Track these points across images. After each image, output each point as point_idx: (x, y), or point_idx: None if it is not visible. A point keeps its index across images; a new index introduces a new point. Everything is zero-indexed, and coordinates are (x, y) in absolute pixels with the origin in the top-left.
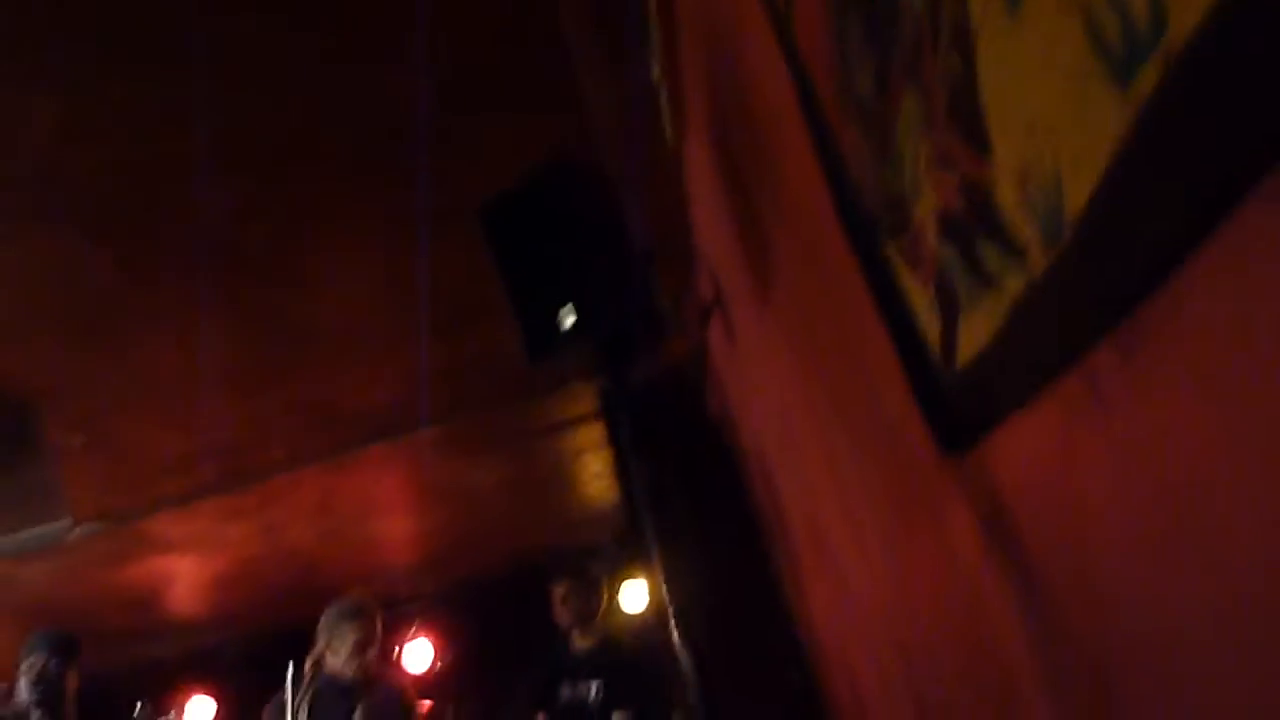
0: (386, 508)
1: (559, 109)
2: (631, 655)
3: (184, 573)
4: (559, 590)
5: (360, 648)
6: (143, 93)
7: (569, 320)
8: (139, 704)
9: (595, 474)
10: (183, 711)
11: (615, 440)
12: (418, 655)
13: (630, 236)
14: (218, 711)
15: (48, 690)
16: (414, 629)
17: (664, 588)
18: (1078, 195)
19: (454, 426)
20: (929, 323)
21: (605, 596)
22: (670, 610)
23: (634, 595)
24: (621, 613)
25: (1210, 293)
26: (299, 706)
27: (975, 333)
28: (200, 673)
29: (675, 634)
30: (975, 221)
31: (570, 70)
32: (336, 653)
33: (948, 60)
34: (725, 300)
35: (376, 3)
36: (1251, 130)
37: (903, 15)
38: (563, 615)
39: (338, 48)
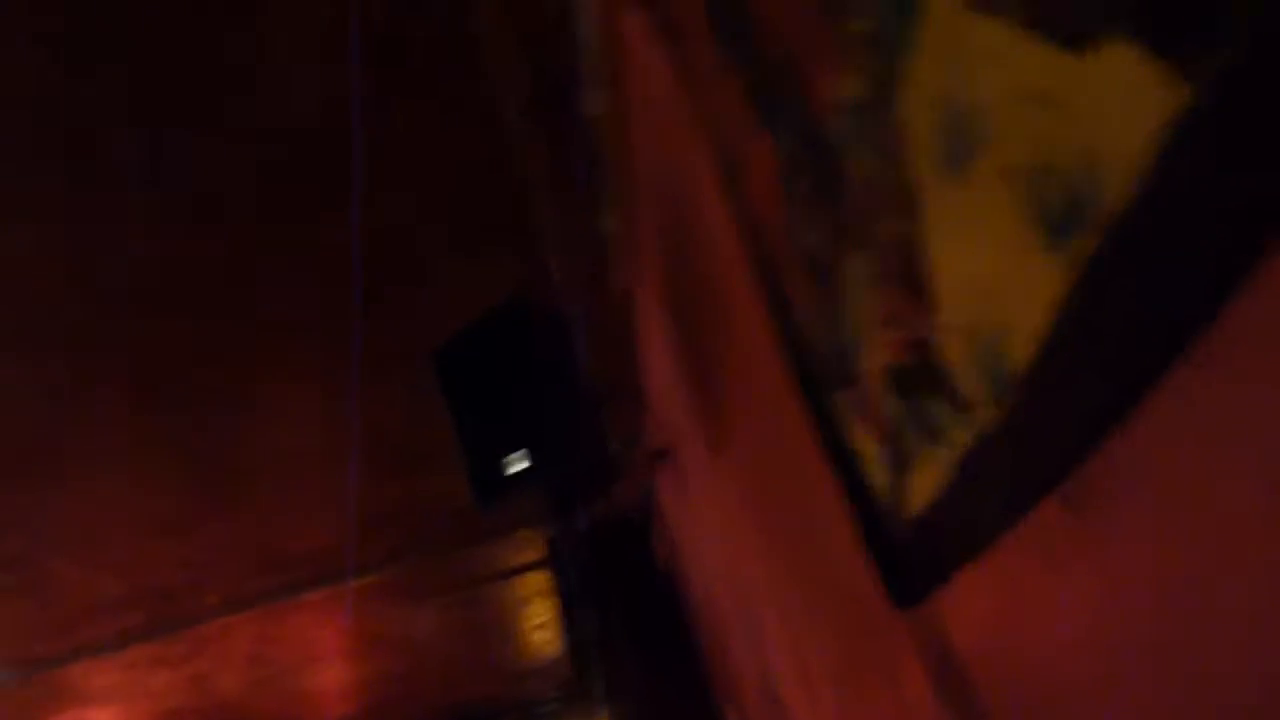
0: (322, 656)
1: (513, 253)
2: None
3: None
4: None
5: None
6: (81, 223)
7: (517, 465)
8: None
9: (539, 623)
10: None
11: (561, 589)
12: None
13: (582, 381)
14: None
15: None
16: None
17: None
18: (1021, 354)
19: (394, 572)
20: (878, 475)
21: None
22: None
23: None
24: None
25: (1151, 450)
26: None
27: (924, 485)
28: None
29: None
30: (923, 377)
31: (525, 214)
32: None
33: (895, 221)
34: (676, 447)
35: (325, 144)
36: (1179, 298)
37: (850, 178)
38: None
39: (280, 192)
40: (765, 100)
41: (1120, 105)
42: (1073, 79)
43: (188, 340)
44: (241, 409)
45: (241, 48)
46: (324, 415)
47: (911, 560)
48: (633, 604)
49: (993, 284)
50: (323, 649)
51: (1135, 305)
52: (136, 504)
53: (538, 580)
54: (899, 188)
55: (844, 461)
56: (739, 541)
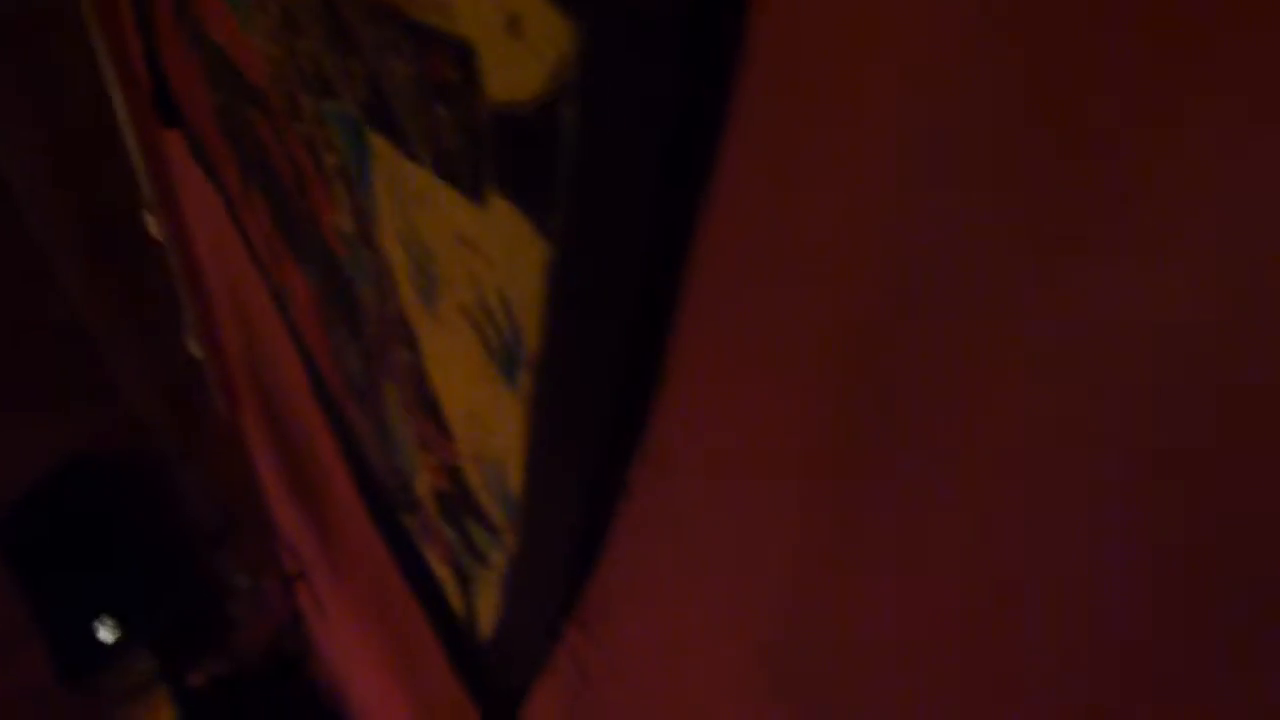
0: None
1: (91, 397)
2: None
3: None
4: None
5: None
6: None
7: (109, 634)
8: None
9: None
10: None
11: None
12: None
13: (187, 520)
14: None
15: None
16: None
17: None
18: (516, 481)
19: None
20: (455, 598)
21: None
22: None
23: None
24: None
25: (626, 573)
26: None
27: (487, 608)
28: None
29: None
30: (461, 502)
31: (97, 355)
32: None
33: (404, 352)
34: (309, 570)
35: None
36: (602, 438)
37: (364, 309)
38: None
39: None
40: (288, 229)
41: (513, 255)
42: (481, 227)
43: None
44: None
45: None
46: None
47: (494, 681)
48: None
49: (484, 416)
50: None
51: (570, 441)
52: None
53: None
54: (398, 319)
55: (426, 586)
56: (364, 663)
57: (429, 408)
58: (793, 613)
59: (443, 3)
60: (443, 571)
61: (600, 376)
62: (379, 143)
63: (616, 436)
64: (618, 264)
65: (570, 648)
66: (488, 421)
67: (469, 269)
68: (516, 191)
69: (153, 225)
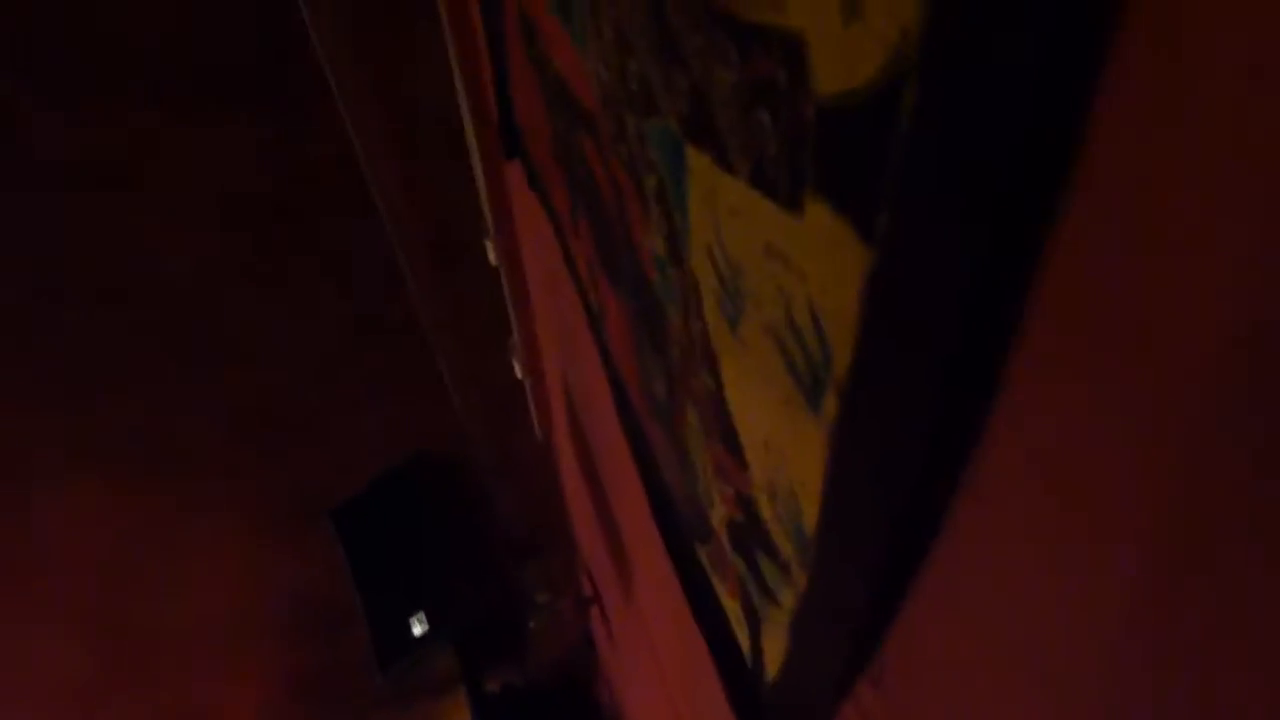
0: None
1: (419, 406)
2: None
3: None
4: None
5: None
6: None
7: (419, 628)
8: None
9: None
10: None
11: None
12: None
13: (499, 532)
14: None
15: None
16: None
17: None
18: (810, 516)
19: None
20: (742, 636)
21: None
22: None
23: None
24: None
25: (932, 626)
26: None
27: (774, 649)
28: None
29: None
30: (752, 535)
31: (433, 366)
32: None
33: (705, 377)
34: (602, 594)
35: (238, 303)
36: (917, 470)
37: (671, 332)
38: None
39: (190, 351)
40: (608, 252)
41: (830, 265)
42: (795, 238)
43: (96, 506)
44: (153, 575)
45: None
46: (235, 582)
47: None
48: None
49: (781, 444)
50: None
51: (881, 476)
52: (37, 676)
53: None
54: (702, 343)
55: (714, 622)
56: (646, 693)
57: (726, 434)
58: (1141, 694)
59: None
60: (732, 607)
61: (921, 399)
62: (696, 157)
63: (935, 468)
64: (953, 268)
65: (861, 706)
66: (784, 449)
67: (778, 284)
68: (839, 192)
69: (491, 252)
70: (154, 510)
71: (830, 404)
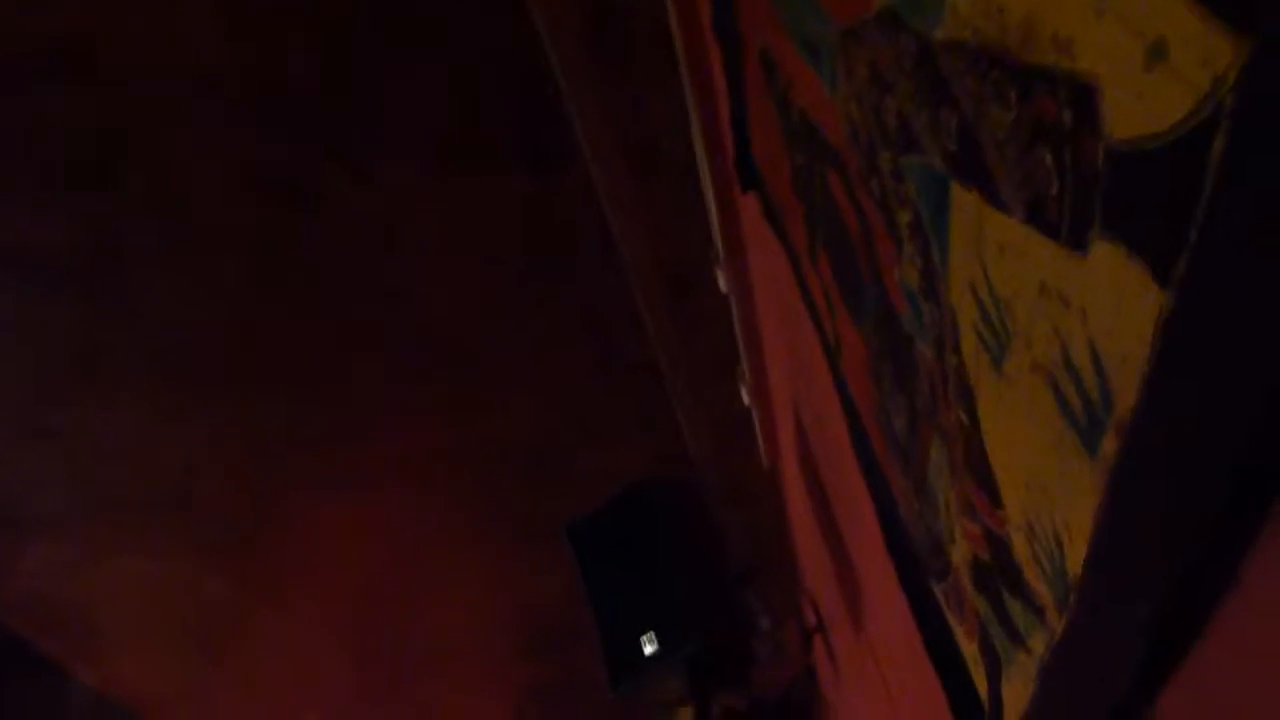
0: None
1: (655, 432)
2: None
3: None
4: None
5: None
6: (266, 417)
7: (650, 647)
8: None
9: None
10: None
11: None
12: None
13: (726, 557)
14: None
15: None
16: None
17: None
18: (1075, 559)
19: None
20: (978, 678)
21: None
22: None
23: None
24: None
25: (1227, 681)
26: None
27: (1016, 694)
28: None
29: None
30: (1001, 574)
31: (665, 396)
32: None
33: (958, 412)
34: (827, 624)
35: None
36: (1209, 517)
37: (920, 366)
38: None
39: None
40: (849, 285)
41: (1118, 306)
42: (1077, 277)
43: (363, 524)
44: (409, 589)
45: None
46: (479, 598)
47: None
48: None
49: (1045, 482)
50: None
51: (1166, 520)
52: (306, 680)
53: None
54: (957, 378)
55: (949, 662)
56: None
57: (979, 471)
58: None
59: (1064, 40)
60: (968, 647)
61: (1215, 445)
62: (962, 194)
63: (1231, 512)
64: (1255, 319)
65: None
66: (1050, 491)
67: (1054, 323)
68: (1132, 236)
69: (722, 281)
70: (409, 535)
71: (1109, 446)
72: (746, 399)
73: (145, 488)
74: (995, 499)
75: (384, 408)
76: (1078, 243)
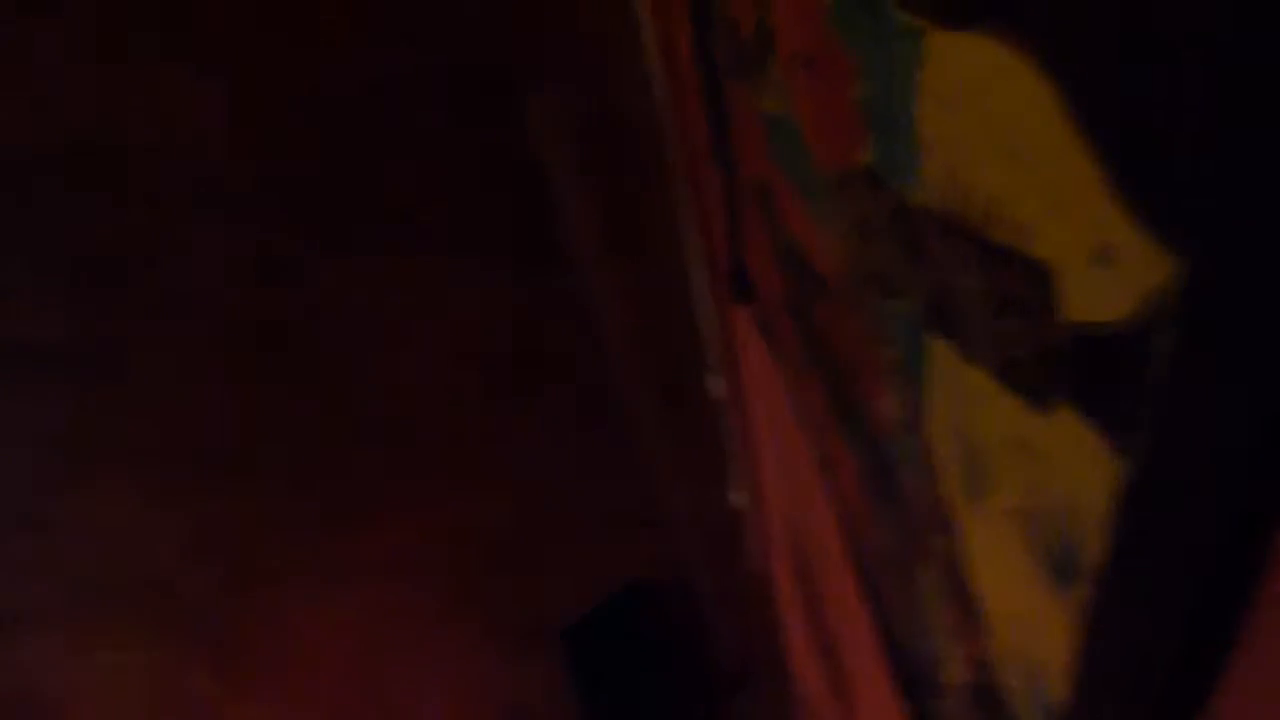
0: None
1: (644, 532)
2: None
3: None
4: None
5: None
6: (256, 505)
7: None
8: None
9: None
10: None
11: None
12: None
13: (716, 662)
14: None
15: None
16: None
17: None
18: (1059, 692)
19: None
20: None
21: None
22: None
23: None
24: None
25: None
26: None
27: None
28: None
29: None
30: (990, 700)
31: (654, 497)
32: None
33: (941, 539)
34: None
35: (474, 439)
36: (1177, 663)
37: (907, 492)
38: None
39: (433, 482)
40: (840, 408)
41: (1080, 465)
42: (1043, 434)
43: (341, 623)
44: (387, 695)
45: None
46: (461, 698)
47: None
48: None
49: (1026, 616)
50: None
51: (1142, 659)
52: None
53: None
54: (939, 508)
55: None
56: None
57: (961, 599)
58: None
59: (1022, 227)
60: None
61: (1177, 602)
62: (937, 345)
63: (1192, 666)
64: (1210, 493)
65: None
66: (1031, 626)
67: (1024, 474)
68: (1090, 408)
69: (714, 386)
70: (392, 631)
71: (1081, 592)
72: (738, 502)
73: (130, 576)
74: (979, 627)
75: (374, 499)
76: (1043, 405)
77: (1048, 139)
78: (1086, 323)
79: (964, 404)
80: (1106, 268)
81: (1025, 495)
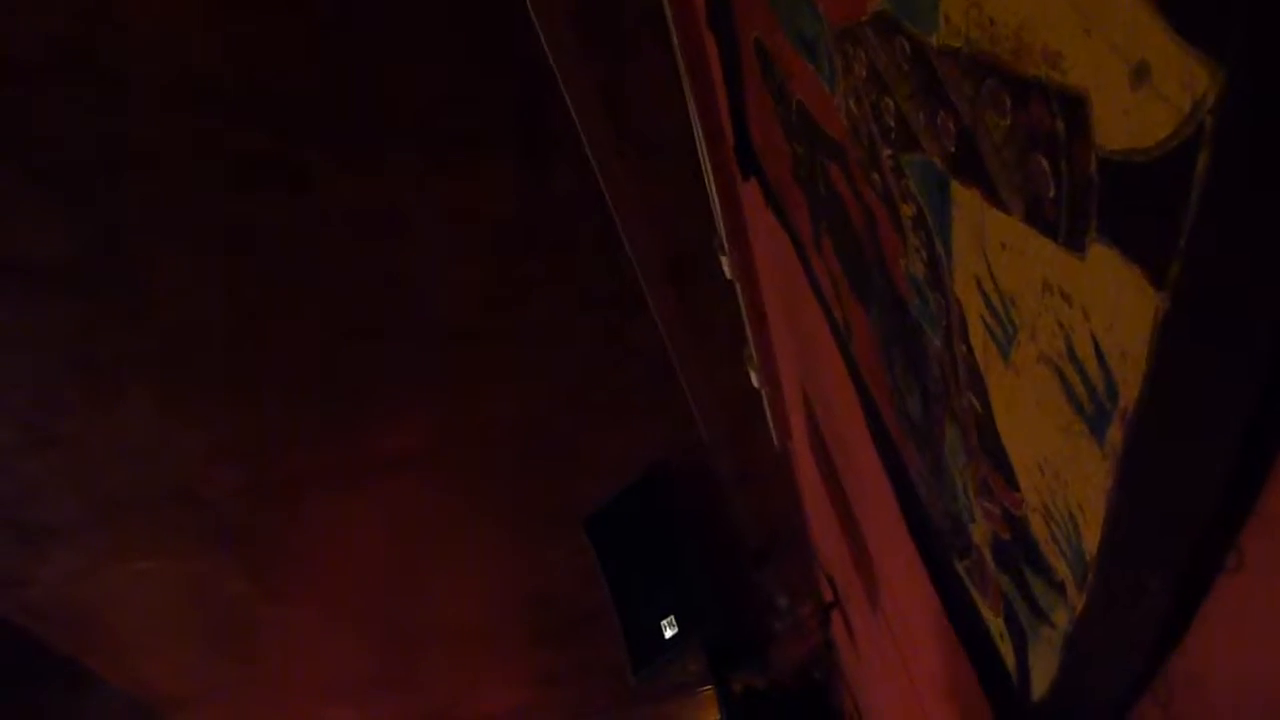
0: None
1: (665, 415)
2: None
3: None
4: None
5: None
6: (273, 419)
7: (670, 630)
8: None
9: None
10: None
11: None
12: None
13: (740, 538)
14: None
15: None
16: None
17: None
18: (1091, 540)
19: None
20: (1005, 651)
21: None
22: None
23: None
24: None
25: (1222, 646)
26: None
27: (1043, 666)
28: None
29: None
30: (1021, 553)
31: (673, 380)
32: None
33: (970, 397)
34: (843, 600)
35: (489, 331)
36: (1211, 496)
37: (929, 352)
38: None
39: (450, 378)
40: (856, 272)
41: (1117, 306)
42: (1077, 276)
43: (374, 519)
44: (422, 581)
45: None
46: (492, 584)
47: None
48: None
49: (1059, 469)
50: None
51: (1173, 503)
52: (325, 673)
53: None
54: (966, 366)
55: (975, 637)
56: (892, 703)
57: (993, 456)
58: None
59: (1053, 55)
60: (995, 623)
61: (1215, 435)
62: (963, 193)
63: (1227, 500)
64: (1249, 315)
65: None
66: (1063, 474)
67: (1057, 318)
68: (1127, 241)
69: (726, 266)
70: (419, 523)
71: (1116, 434)
72: (755, 381)
73: (152, 489)
74: (1011, 482)
75: (388, 399)
76: (1076, 245)
77: None
78: (1122, 149)
79: (991, 253)
80: (1143, 88)
81: (1059, 342)
